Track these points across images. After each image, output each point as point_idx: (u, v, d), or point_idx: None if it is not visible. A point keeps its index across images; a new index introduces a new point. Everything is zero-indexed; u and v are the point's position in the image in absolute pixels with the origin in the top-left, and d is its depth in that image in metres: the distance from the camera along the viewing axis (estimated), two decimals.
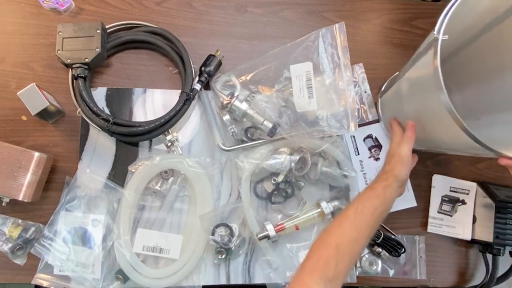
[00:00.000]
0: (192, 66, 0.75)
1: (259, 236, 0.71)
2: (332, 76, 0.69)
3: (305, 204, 0.77)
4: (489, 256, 0.77)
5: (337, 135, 0.76)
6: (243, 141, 0.76)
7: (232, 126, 0.73)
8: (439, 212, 0.80)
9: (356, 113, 0.68)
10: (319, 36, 0.69)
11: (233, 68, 0.77)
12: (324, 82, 0.69)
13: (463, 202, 0.80)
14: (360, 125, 0.81)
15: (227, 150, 0.75)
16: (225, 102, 0.73)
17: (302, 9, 0.86)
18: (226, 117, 0.73)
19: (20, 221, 0.71)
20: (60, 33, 0.72)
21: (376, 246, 0.76)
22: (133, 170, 0.72)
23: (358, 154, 0.80)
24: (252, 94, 0.75)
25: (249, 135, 0.76)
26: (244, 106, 0.73)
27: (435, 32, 0.54)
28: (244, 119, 0.75)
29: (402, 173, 0.64)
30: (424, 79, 0.58)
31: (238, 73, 0.76)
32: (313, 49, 0.70)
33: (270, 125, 0.72)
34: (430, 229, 0.80)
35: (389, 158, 0.66)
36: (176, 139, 0.75)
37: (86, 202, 0.72)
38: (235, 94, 0.74)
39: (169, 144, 0.74)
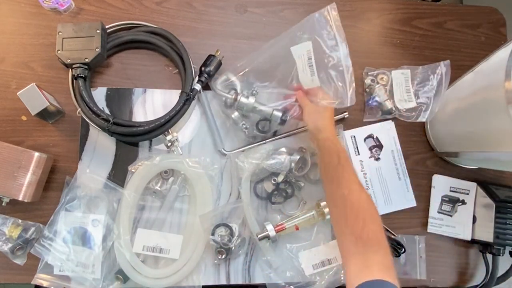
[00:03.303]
0: (192, 66, 0.75)
1: (259, 236, 0.71)
2: (331, 53, 0.70)
3: (305, 204, 0.77)
4: (489, 256, 0.77)
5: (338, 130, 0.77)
6: (254, 137, 0.76)
7: (243, 122, 0.74)
8: (439, 212, 0.80)
9: (354, 85, 0.69)
10: (314, 20, 0.70)
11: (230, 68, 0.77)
12: (323, 60, 0.70)
13: (463, 202, 0.80)
14: (361, 125, 0.82)
15: (229, 152, 0.75)
16: (231, 100, 0.73)
17: (302, 9, 0.86)
18: (235, 114, 0.74)
19: (20, 221, 0.71)
20: (60, 33, 0.72)
21: None
22: (133, 170, 0.72)
23: (359, 154, 0.80)
24: (256, 88, 0.75)
25: (260, 128, 0.76)
26: (251, 100, 0.73)
27: None
28: (252, 114, 0.75)
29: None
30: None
31: (236, 70, 0.76)
32: (311, 31, 0.70)
33: (280, 114, 0.72)
34: (430, 229, 0.80)
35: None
36: (176, 139, 0.75)
37: (86, 202, 0.72)
38: (239, 91, 0.74)
39: (169, 144, 0.74)
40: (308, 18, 0.69)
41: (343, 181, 0.62)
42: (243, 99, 0.72)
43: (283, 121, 0.73)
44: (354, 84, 0.69)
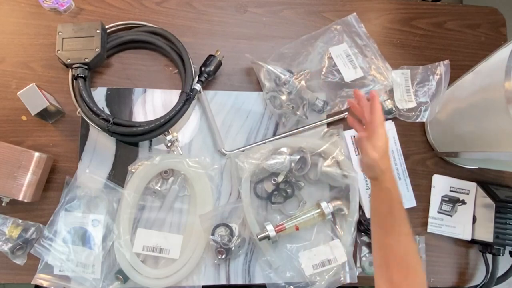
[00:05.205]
0: (192, 66, 0.75)
1: (259, 236, 0.71)
2: (364, 50, 0.84)
3: (305, 204, 0.77)
4: (489, 256, 0.77)
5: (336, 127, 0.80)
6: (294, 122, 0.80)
7: (290, 101, 0.77)
8: (439, 212, 0.80)
9: (390, 68, 0.82)
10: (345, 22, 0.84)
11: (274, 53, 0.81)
12: (359, 54, 0.84)
13: (463, 202, 0.80)
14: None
15: (229, 152, 0.75)
16: (282, 80, 0.77)
17: (302, 9, 0.86)
18: (285, 95, 0.77)
19: (20, 221, 0.71)
20: (60, 33, 0.72)
21: None
22: (133, 170, 0.72)
23: (358, 154, 0.80)
24: (308, 73, 0.80)
25: (305, 110, 0.79)
26: (302, 83, 0.77)
27: None
28: (297, 97, 0.79)
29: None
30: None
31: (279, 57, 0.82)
32: (341, 35, 0.84)
33: (322, 103, 0.78)
34: (430, 229, 0.80)
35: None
36: (176, 139, 0.75)
37: (86, 202, 0.72)
38: (291, 74, 0.77)
39: (169, 144, 0.74)
40: (339, 21, 0.85)
41: (392, 231, 0.61)
42: (295, 81, 0.77)
43: (322, 110, 0.80)
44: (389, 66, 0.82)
